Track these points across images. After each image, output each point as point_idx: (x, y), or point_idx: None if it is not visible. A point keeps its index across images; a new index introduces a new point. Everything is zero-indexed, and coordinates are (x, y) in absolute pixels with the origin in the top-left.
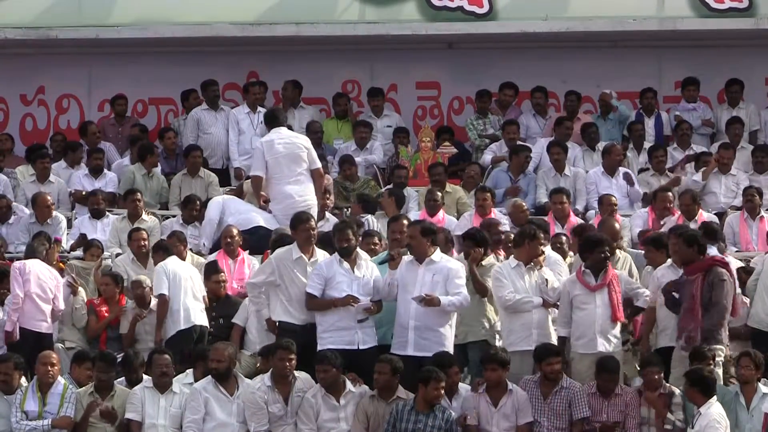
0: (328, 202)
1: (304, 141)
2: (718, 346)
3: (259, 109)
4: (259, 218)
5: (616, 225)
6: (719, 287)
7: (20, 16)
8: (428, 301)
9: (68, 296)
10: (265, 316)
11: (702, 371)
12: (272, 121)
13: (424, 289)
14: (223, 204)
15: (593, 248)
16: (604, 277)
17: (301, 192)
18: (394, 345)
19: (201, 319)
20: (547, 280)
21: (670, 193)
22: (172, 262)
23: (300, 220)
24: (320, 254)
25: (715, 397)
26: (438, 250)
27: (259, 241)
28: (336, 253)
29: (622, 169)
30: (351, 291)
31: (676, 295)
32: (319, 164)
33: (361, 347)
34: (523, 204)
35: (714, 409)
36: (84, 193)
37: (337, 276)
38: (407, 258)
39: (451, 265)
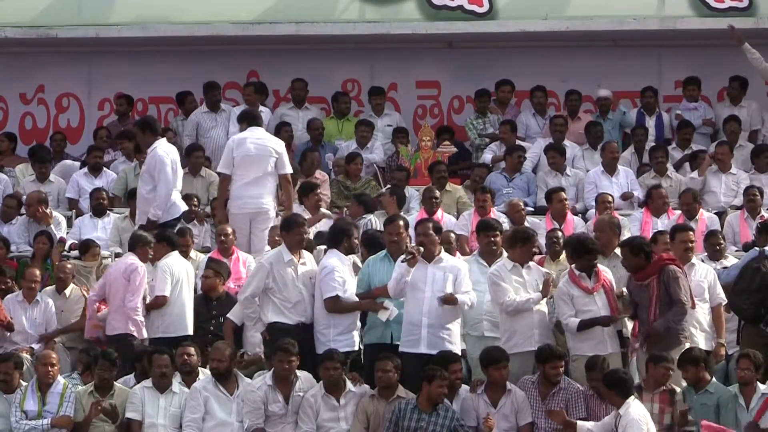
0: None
1: (276, 145)
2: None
3: (261, 108)
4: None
5: (614, 219)
6: (674, 284)
7: (20, 15)
8: (448, 300)
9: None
10: (259, 330)
11: (618, 372)
12: (250, 119)
13: (436, 287)
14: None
15: (582, 255)
16: (597, 278)
17: (256, 194)
18: (403, 343)
19: (185, 330)
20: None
21: (663, 190)
22: (177, 264)
23: (295, 222)
24: (307, 257)
25: (632, 397)
26: (442, 248)
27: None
28: (340, 254)
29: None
30: (356, 290)
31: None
32: (289, 169)
33: (361, 346)
34: (520, 203)
35: (633, 409)
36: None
37: (348, 277)
38: None
39: (459, 264)
